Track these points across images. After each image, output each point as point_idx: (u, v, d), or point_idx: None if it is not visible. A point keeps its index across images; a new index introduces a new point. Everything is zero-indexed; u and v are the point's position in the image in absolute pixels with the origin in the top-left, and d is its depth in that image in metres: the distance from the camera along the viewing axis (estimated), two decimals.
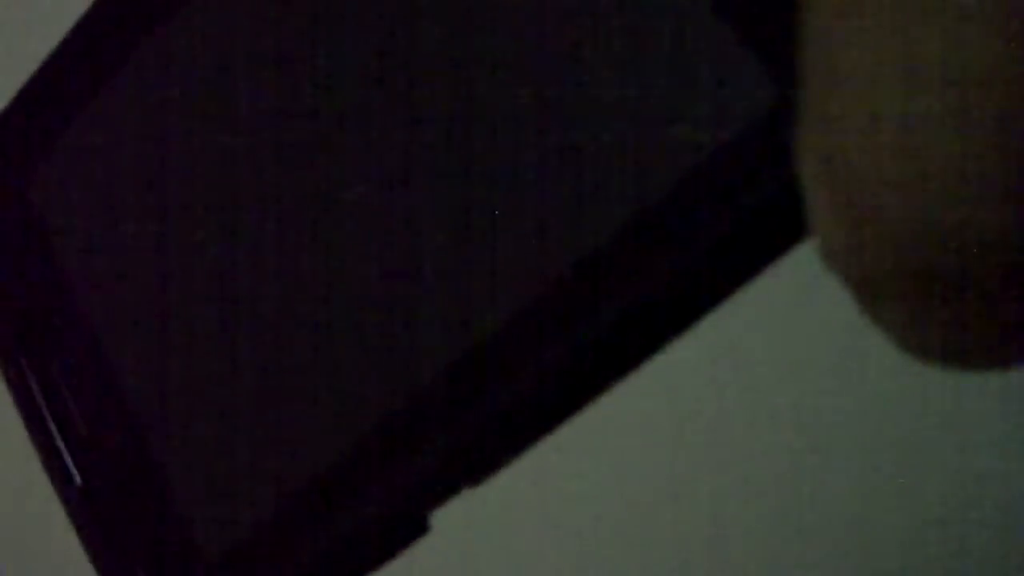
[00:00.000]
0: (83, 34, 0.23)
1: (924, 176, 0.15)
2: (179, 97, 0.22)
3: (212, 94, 0.22)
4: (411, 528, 0.21)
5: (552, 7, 0.20)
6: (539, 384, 0.19)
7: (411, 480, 0.20)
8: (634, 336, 0.19)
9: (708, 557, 0.39)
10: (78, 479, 0.23)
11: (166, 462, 0.22)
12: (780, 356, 0.39)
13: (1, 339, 0.23)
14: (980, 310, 0.16)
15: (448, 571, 0.39)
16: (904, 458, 0.38)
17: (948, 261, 0.15)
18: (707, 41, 0.18)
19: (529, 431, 0.20)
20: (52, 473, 0.23)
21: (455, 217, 0.20)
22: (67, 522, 0.23)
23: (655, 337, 0.19)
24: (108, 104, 0.23)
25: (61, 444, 0.23)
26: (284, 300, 0.21)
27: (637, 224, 0.19)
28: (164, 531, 0.22)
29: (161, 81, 0.22)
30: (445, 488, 0.20)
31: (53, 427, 0.23)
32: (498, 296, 0.20)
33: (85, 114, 0.23)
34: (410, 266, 0.20)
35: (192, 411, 0.22)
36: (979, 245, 0.15)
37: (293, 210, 0.22)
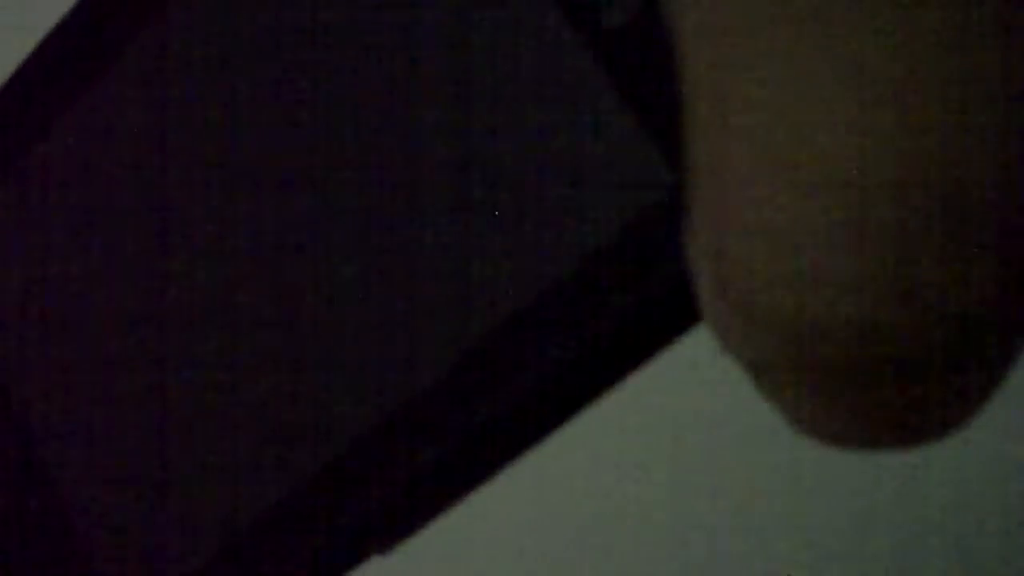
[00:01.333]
0: (30, 71, 0.23)
1: (813, 277, 0.15)
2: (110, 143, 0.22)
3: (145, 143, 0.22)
4: None
5: (447, 82, 0.20)
6: (442, 457, 0.20)
7: (319, 547, 0.20)
8: (531, 415, 0.19)
9: (703, 557, 0.39)
10: None
11: (76, 520, 0.22)
12: None
13: None
14: (859, 400, 0.16)
15: None
16: (904, 458, 0.38)
17: (839, 355, 0.15)
18: (608, 125, 0.18)
19: (436, 502, 0.20)
20: None
21: (352, 296, 0.20)
22: None
23: (556, 415, 0.20)
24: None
25: None
26: (191, 366, 0.21)
27: (536, 309, 0.19)
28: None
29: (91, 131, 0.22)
30: (353, 555, 0.20)
31: None
32: (397, 371, 0.20)
33: None
34: (303, 345, 0.21)
35: (102, 467, 0.22)
36: (869, 341, 0.15)
37: (196, 264, 0.21)
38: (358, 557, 0.20)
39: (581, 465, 0.39)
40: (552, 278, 0.19)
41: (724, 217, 0.16)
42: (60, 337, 0.22)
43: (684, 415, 0.39)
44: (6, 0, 0.41)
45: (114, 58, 0.22)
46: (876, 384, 0.16)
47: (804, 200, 0.15)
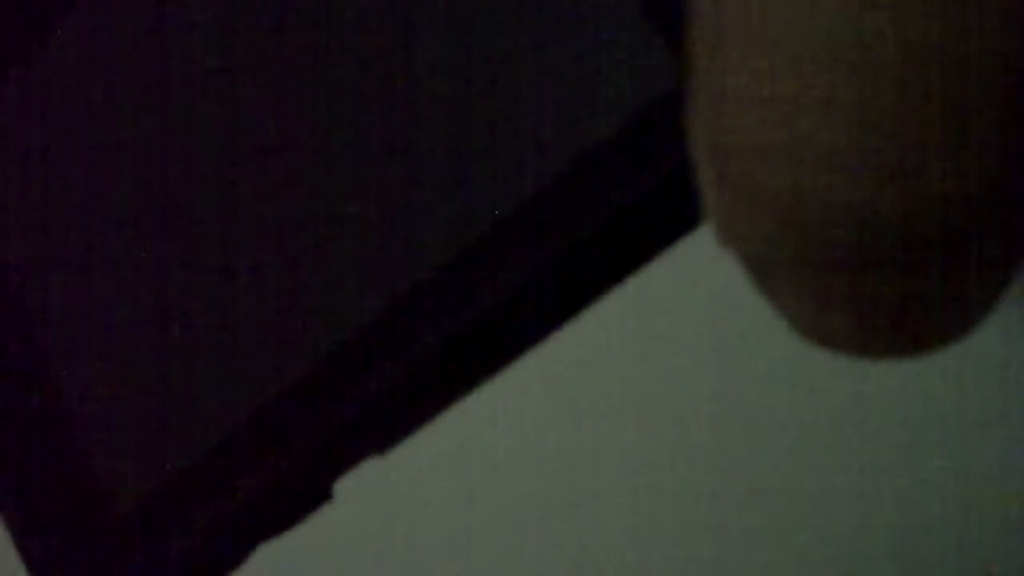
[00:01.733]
0: None
1: (811, 155, 0.15)
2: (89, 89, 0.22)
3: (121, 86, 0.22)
4: (314, 495, 0.21)
5: None
6: (439, 354, 0.19)
7: (315, 447, 0.20)
8: (532, 312, 0.19)
9: (706, 557, 0.39)
10: None
11: (74, 413, 0.22)
12: (780, 353, 0.39)
13: None
14: (868, 292, 0.16)
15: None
16: (904, 458, 0.38)
17: (836, 241, 0.15)
18: (610, 16, 0.18)
19: (433, 401, 0.20)
20: None
21: (349, 193, 0.20)
22: None
23: (554, 314, 0.19)
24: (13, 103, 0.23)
25: None
26: (192, 264, 0.21)
27: (535, 202, 0.19)
28: (73, 483, 0.22)
29: (67, 79, 0.22)
30: (349, 456, 0.20)
31: None
32: (394, 270, 0.20)
33: None
34: (303, 241, 0.20)
35: (101, 363, 0.22)
36: (867, 225, 0.15)
37: (189, 199, 0.21)
38: (355, 457, 0.20)
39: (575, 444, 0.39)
40: (554, 170, 0.18)
41: (723, 94, 0.15)
42: (59, 232, 0.22)
43: (681, 419, 0.39)
44: None
45: None
46: (875, 275, 0.15)
47: (804, 76, 0.15)
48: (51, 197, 0.22)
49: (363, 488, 0.39)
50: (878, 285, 0.16)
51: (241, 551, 0.21)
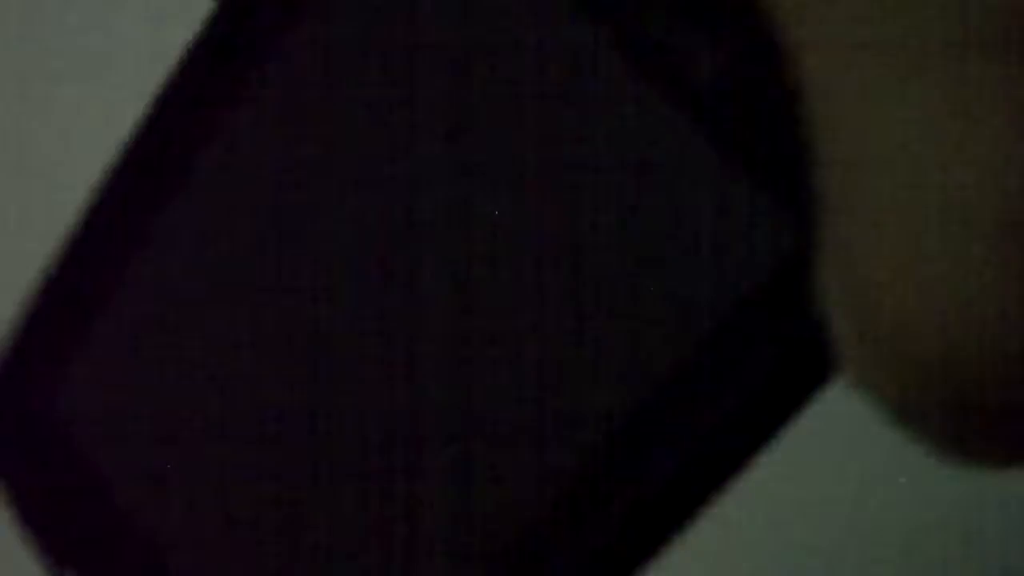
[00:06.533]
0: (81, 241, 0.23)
1: (953, 313, 0.15)
2: (188, 290, 0.22)
3: (224, 291, 0.21)
4: None
5: (560, 156, 0.19)
6: (608, 539, 0.19)
7: None
8: (680, 495, 0.19)
9: (708, 558, 0.39)
10: None
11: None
12: None
13: (49, 552, 0.23)
14: (1010, 434, 0.16)
15: None
16: (904, 458, 0.38)
17: (979, 391, 0.16)
18: (720, 191, 0.18)
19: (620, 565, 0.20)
20: None
21: (505, 365, 0.20)
22: None
23: (702, 491, 0.19)
24: (125, 303, 0.22)
25: None
26: (307, 452, 0.21)
27: (663, 385, 0.19)
28: None
29: (170, 278, 0.22)
30: None
31: None
32: (545, 465, 0.20)
33: (100, 318, 0.22)
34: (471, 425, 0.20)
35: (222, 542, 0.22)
36: (1011, 378, 0.15)
37: (315, 395, 0.21)
38: None
39: None
40: (678, 355, 0.19)
41: (863, 258, 0.16)
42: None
43: None
44: (7, 1, 0.41)
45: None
46: (1015, 420, 0.16)
47: (947, 239, 0.15)
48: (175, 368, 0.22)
49: None
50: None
51: None
